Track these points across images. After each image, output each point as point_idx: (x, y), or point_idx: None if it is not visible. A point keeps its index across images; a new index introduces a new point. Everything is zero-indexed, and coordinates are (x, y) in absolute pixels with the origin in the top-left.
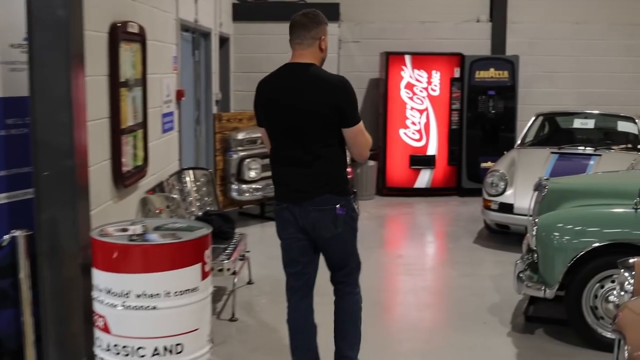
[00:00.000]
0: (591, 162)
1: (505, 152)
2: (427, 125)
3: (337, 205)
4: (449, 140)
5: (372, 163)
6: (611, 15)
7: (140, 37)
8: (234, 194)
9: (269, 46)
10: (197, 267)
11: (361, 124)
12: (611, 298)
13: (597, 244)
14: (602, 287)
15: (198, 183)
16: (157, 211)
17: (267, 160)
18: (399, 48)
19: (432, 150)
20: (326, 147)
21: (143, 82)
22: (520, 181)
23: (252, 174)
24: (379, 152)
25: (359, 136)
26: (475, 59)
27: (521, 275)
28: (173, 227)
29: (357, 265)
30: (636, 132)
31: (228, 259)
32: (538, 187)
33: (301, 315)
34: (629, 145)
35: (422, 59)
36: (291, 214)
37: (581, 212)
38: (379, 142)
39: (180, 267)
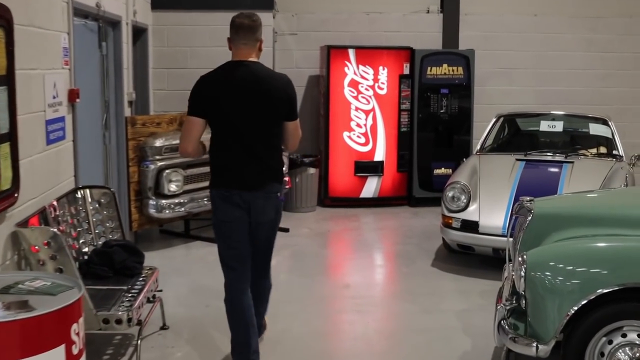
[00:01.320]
0: (563, 171)
1: (464, 159)
2: (373, 127)
3: (278, 193)
4: (398, 145)
5: (312, 171)
6: (571, 7)
7: (2, 21)
8: (152, 211)
9: (194, 38)
10: (58, 352)
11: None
12: (621, 357)
13: (604, 290)
14: (610, 342)
15: (97, 205)
16: (32, 250)
17: (191, 171)
18: (342, 41)
19: (379, 156)
20: (276, 138)
21: (8, 80)
22: (485, 194)
23: (173, 187)
24: (321, 158)
25: (297, 128)
26: (427, 54)
27: (504, 324)
28: (28, 289)
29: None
30: (609, 135)
31: (130, 305)
32: (520, 210)
33: (242, 294)
34: (603, 151)
35: (368, 54)
36: (240, 198)
37: (582, 246)
38: (320, 146)
39: (33, 354)
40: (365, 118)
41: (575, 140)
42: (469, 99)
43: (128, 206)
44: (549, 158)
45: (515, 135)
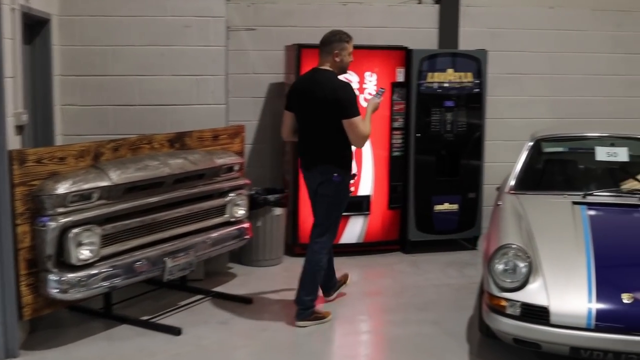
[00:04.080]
0: None
1: (499, 203)
2: (358, 152)
3: (335, 174)
4: (389, 174)
5: (279, 211)
6: None
7: None
8: (53, 291)
9: (117, 34)
10: None
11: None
12: None
13: None
14: None
15: None
16: None
17: (113, 226)
18: (314, 38)
19: (365, 189)
20: (325, 132)
21: None
22: (550, 262)
23: (85, 254)
24: (289, 193)
25: (351, 126)
26: (427, 56)
27: None
28: None
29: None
30: None
31: None
32: None
33: None
34: None
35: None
36: (306, 176)
37: None
38: (286, 177)
39: None
40: None
41: None
42: (480, 113)
43: (16, 285)
44: (620, 200)
45: (559, 166)
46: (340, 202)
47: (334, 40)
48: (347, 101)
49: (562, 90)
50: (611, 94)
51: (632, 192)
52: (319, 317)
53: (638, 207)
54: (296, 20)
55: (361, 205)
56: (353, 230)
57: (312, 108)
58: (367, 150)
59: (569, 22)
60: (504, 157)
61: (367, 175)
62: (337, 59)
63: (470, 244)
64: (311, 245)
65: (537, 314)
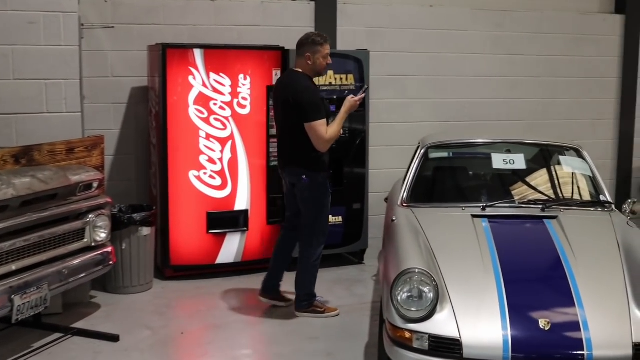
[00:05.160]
0: (552, 233)
1: (394, 219)
2: (233, 162)
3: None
4: (267, 186)
5: (146, 231)
6: None
7: None
8: None
9: None
10: None
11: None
12: None
13: None
14: None
15: None
16: None
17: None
18: (179, 38)
19: (242, 203)
20: (291, 133)
21: None
22: (456, 287)
23: None
24: (157, 210)
25: (311, 130)
26: None
27: None
28: None
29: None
30: (588, 172)
31: None
32: None
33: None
34: (586, 196)
35: (223, 57)
36: (284, 176)
37: None
38: (153, 191)
39: None
40: (220, 149)
41: (545, 182)
42: (363, 118)
43: None
44: (521, 212)
45: (450, 175)
46: (318, 203)
47: (306, 42)
48: (307, 105)
49: (445, 92)
50: (494, 95)
51: (532, 203)
52: (319, 310)
53: (539, 219)
54: (160, 18)
55: (238, 220)
56: (230, 248)
57: (280, 110)
58: (242, 160)
59: (449, 21)
60: (389, 164)
61: (244, 187)
62: (310, 62)
63: (357, 258)
64: (301, 245)
65: (448, 347)
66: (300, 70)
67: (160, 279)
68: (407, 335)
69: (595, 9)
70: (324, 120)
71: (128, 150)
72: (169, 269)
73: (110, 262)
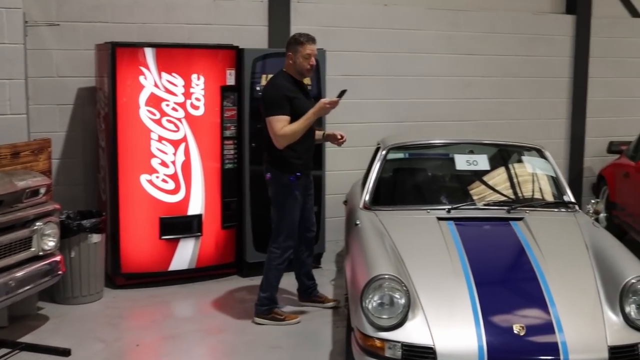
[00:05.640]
0: (519, 235)
1: (357, 223)
2: (186, 165)
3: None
4: (222, 189)
5: (96, 238)
6: None
7: None
8: None
9: None
10: None
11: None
12: None
13: None
14: None
15: None
16: None
17: None
18: (129, 36)
19: (196, 208)
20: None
21: None
22: (427, 292)
23: None
24: (107, 216)
25: (268, 124)
26: (261, 56)
27: None
28: None
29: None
30: (551, 172)
31: None
32: None
33: None
34: (548, 197)
35: (175, 56)
36: None
37: None
38: (102, 196)
39: None
40: (173, 152)
41: (508, 183)
42: (319, 119)
43: None
44: (487, 214)
45: (411, 176)
46: (279, 205)
47: (290, 42)
48: (268, 99)
49: (399, 92)
50: (447, 95)
51: (498, 204)
52: (278, 317)
53: (506, 221)
54: (108, 15)
55: (191, 225)
56: (183, 255)
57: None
58: (196, 163)
59: (403, 20)
60: (344, 165)
61: (198, 192)
62: (291, 62)
63: (314, 262)
64: (269, 245)
65: (422, 355)
66: (285, 70)
67: (111, 288)
68: (379, 344)
69: (547, 9)
70: (283, 117)
71: (75, 153)
72: (120, 277)
73: (60, 272)
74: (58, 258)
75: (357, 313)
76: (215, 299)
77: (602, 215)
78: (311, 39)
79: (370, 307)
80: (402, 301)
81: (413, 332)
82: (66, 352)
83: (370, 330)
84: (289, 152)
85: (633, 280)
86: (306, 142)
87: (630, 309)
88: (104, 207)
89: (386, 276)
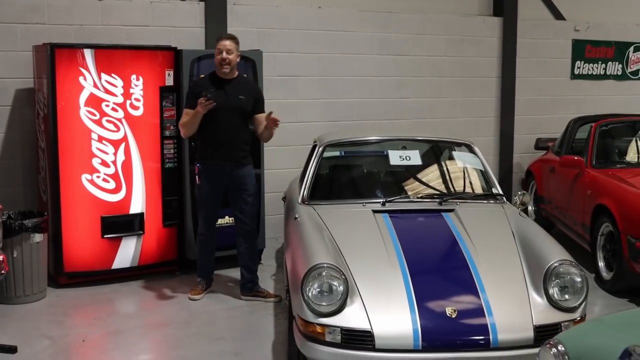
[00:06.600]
0: (450, 225)
1: (296, 217)
2: (127, 165)
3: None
4: (162, 188)
5: (38, 238)
6: None
7: None
8: None
9: None
10: None
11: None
12: None
13: None
14: None
15: None
16: None
17: None
18: (65, 37)
19: (137, 206)
20: None
21: None
22: (364, 280)
23: None
24: (49, 215)
25: None
26: (199, 57)
27: None
28: None
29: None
30: (479, 166)
31: None
32: None
33: None
34: (478, 189)
35: (115, 57)
36: None
37: None
38: (43, 197)
39: None
40: (114, 152)
41: (440, 176)
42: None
43: None
44: (420, 206)
45: (346, 172)
46: (199, 191)
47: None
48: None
49: (334, 92)
50: (381, 95)
51: (430, 197)
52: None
53: (438, 212)
54: (44, 17)
55: (133, 224)
56: (126, 253)
57: None
58: (136, 162)
59: (337, 22)
60: (281, 164)
61: (139, 191)
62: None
63: None
64: None
65: (360, 339)
66: (215, 69)
67: (54, 287)
68: (319, 329)
69: (475, 11)
70: (186, 110)
71: (13, 154)
72: (62, 276)
73: (3, 272)
74: (1, 258)
75: (297, 301)
76: (158, 295)
77: (531, 208)
78: (222, 37)
79: (310, 294)
80: (341, 288)
81: (352, 318)
82: (12, 349)
83: (310, 317)
84: (198, 142)
85: (555, 264)
86: (216, 134)
87: (554, 291)
88: (44, 208)
89: (325, 265)
